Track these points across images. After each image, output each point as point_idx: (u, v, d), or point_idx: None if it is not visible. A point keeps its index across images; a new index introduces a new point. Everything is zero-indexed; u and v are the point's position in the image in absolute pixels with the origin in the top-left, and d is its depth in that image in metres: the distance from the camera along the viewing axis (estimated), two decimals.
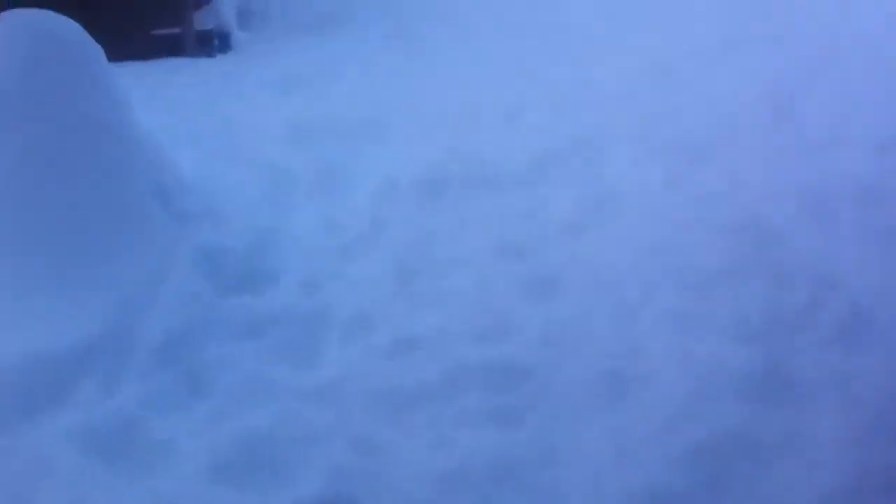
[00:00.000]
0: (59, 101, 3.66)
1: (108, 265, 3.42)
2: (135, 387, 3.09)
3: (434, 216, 4.31)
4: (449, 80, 6.03)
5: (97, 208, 3.54)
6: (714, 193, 4.46)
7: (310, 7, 8.02)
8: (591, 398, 3.00)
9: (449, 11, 7.69)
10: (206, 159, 4.59)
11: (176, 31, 7.21)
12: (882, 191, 4.47)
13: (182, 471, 2.74)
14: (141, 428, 2.90)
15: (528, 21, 7.48)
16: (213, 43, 7.38)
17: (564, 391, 3.04)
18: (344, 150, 4.98)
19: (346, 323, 3.51)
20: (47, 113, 3.60)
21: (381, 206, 4.39)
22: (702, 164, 4.81)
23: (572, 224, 4.19)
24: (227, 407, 3.03)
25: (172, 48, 7.16)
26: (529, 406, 2.99)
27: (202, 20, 7.42)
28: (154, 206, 3.73)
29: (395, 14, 7.64)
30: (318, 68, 6.42)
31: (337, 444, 2.84)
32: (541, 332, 3.38)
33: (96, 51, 3.93)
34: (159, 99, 5.56)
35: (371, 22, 7.52)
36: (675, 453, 2.74)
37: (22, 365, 2.98)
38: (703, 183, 4.59)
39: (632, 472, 2.69)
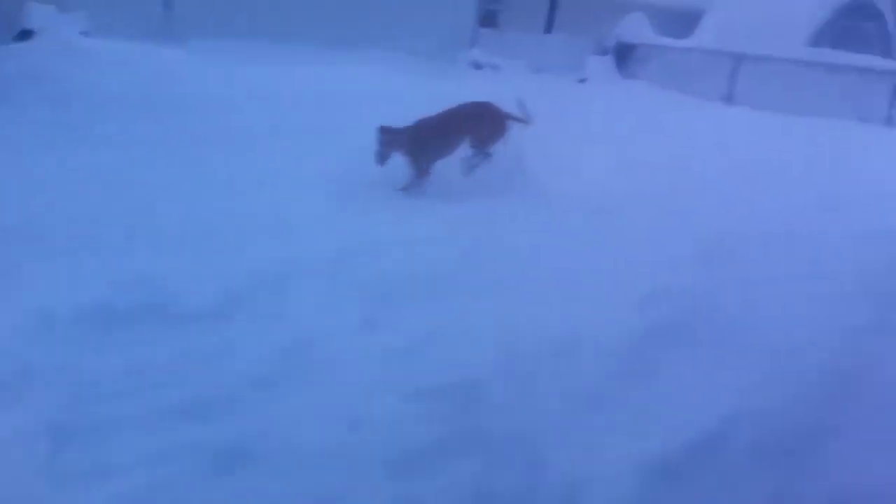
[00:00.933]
0: None
1: None
2: None
3: (99, 360, 3.58)
4: (123, 185, 5.32)
5: None
6: (413, 343, 4.17)
7: None
8: None
9: (117, 102, 6.86)
10: None
11: None
12: (575, 345, 4.42)
13: None
14: None
15: (208, 127, 6.86)
16: None
17: None
18: None
19: None
20: None
21: (34, 345, 3.61)
22: (398, 305, 4.53)
23: (261, 378, 3.67)
24: None
25: None
26: None
27: None
28: None
29: (61, 100, 6.65)
30: None
31: None
32: None
33: None
34: None
35: (30, 105, 6.48)
36: None
37: None
38: (401, 328, 4.30)
39: None
